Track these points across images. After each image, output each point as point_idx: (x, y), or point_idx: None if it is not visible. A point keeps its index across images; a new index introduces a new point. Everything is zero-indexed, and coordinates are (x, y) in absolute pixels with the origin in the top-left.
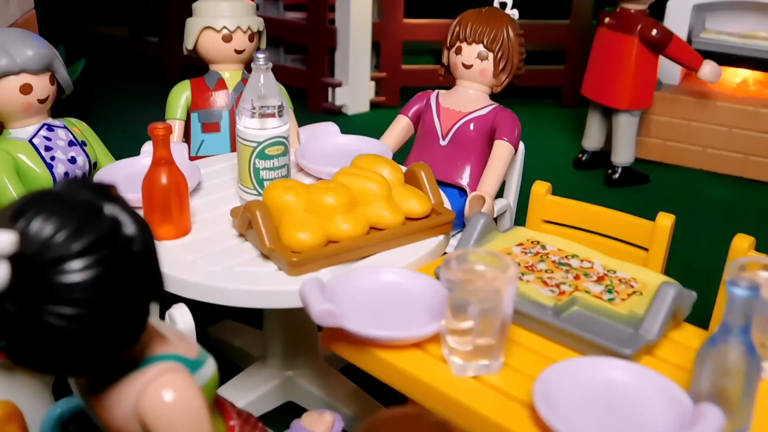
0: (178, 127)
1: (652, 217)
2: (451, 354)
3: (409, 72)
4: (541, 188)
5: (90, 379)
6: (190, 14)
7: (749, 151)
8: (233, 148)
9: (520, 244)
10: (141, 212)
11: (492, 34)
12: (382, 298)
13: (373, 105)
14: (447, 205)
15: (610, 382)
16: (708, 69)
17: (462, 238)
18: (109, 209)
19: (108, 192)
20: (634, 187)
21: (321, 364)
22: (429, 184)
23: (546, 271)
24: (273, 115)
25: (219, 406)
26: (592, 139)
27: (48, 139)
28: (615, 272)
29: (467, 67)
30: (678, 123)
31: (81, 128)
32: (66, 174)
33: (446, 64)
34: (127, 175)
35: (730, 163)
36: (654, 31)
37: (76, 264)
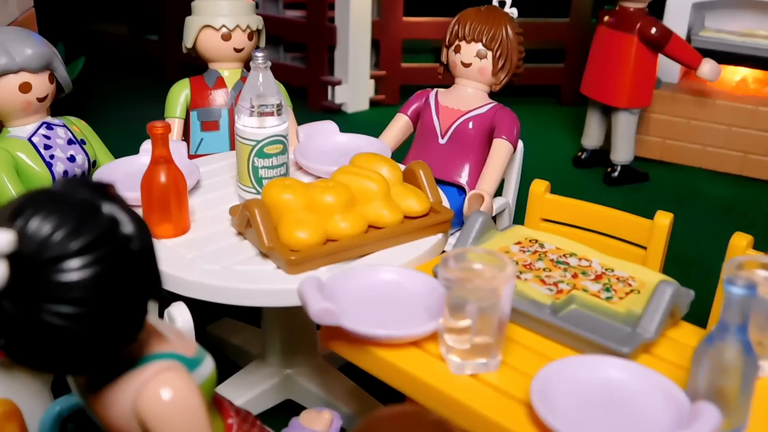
0: (177, 126)
1: (651, 216)
2: (449, 352)
3: (408, 70)
4: (539, 187)
5: (88, 378)
6: (189, 12)
7: (748, 149)
8: (232, 147)
9: (519, 243)
10: (140, 211)
11: (491, 32)
12: (380, 296)
13: (373, 103)
14: (445, 203)
15: (607, 381)
16: (707, 67)
17: (460, 236)
18: (107, 208)
19: (106, 191)
20: (634, 186)
21: (320, 363)
22: (427, 182)
23: (544, 269)
24: (272, 114)
25: (217, 404)
26: (592, 137)
27: (47, 137)
28: (613, 271)
29: (466, 65)
30: (677, 121)
31: (80, 127)
32: (65, 172)
33: (445, 62)
34: (126, 174)
35: (729, 162)
36: (653, 30)
37: (75, 263)
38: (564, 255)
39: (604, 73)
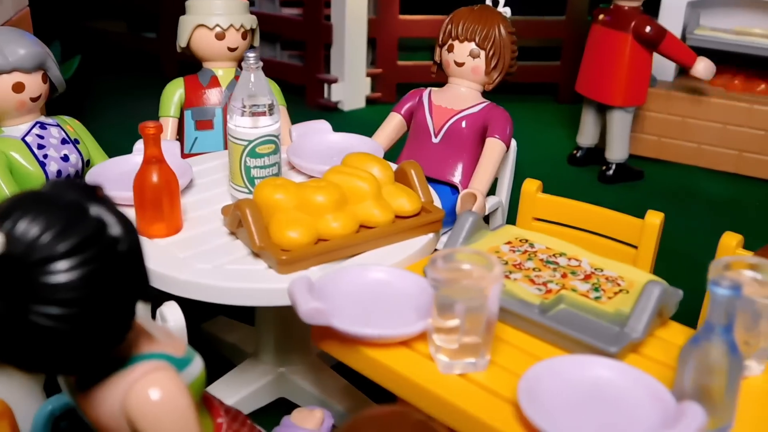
0: (171, 125)
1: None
2: (438, 352)
3: (404, 68)
4: (531, 186)
5: (78, 378)
6: None
7: (743, 147)
8: (226, 146)
9: (509, 243)
10: (133, 210)
11: (484, 32)
12: (370, 296)
13: (369, 101)
14: (437, 203)
15: (594, 380)
16: (701, 66)
17: (450, 236)
18: (95, 210)
19: (94, 193)
20: (629, 184)
21: (314, 361)
22: (419, 182)
23: (534, 269)
24: (263, 114)
25: (207, 404)
26: (587, 135)
27: (41, 137)
28: (602, 270)
29: (459, 64)
30: (672, 119)
31: (74, 126)
32: (59, 172)
33: (438, 61)
34: (119, 173)
35: (725, 160)
36: (648, 28)
37: (62, 264)
38: (554, 255)
39: (599, 71)
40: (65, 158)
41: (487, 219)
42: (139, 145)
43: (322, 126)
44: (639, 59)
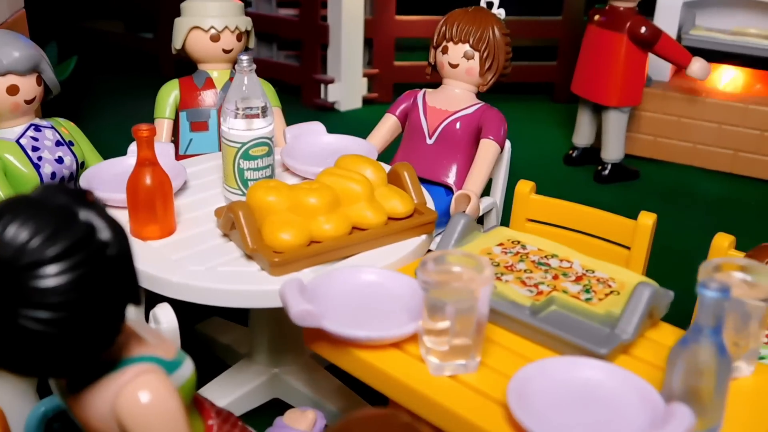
0: (166, 126)
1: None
2: (428, 354)
3: (401, 68)
4: (524, 187)
5: (68, 380)
6: None
7: (738, 147)
8: (221, 147)
9: (501, 244)
10: (126, 212)
11: (478, 33)
12: (362, 298)
13: (366, 101)
14: (430, 204)
15: (584, 381)
16: (697, 66)
17: (442, 238)
18: (84, 214)
19: (84, 197)
20: (625, 183)
21: (307, 361)
22: (412, 183)
23: (525, 271)
24: (257, 116)
25: (198, 406)
26: (582, 135)
27: (35, 139)
28: (593, 272)
29: (453, 66)
30: (668, 119)
31: (68, 128)
32: (53, 174)
33: (433, 63)
34: (113, 175)
35: (720, 160)
36: (643, 29)
37: (51, 269)
38: (546, 256)
39: (594, 71)
40: (60, 160)
41: (481, 220)
42: (133, 147)
43: (316, 128)
44: (634, 59)
